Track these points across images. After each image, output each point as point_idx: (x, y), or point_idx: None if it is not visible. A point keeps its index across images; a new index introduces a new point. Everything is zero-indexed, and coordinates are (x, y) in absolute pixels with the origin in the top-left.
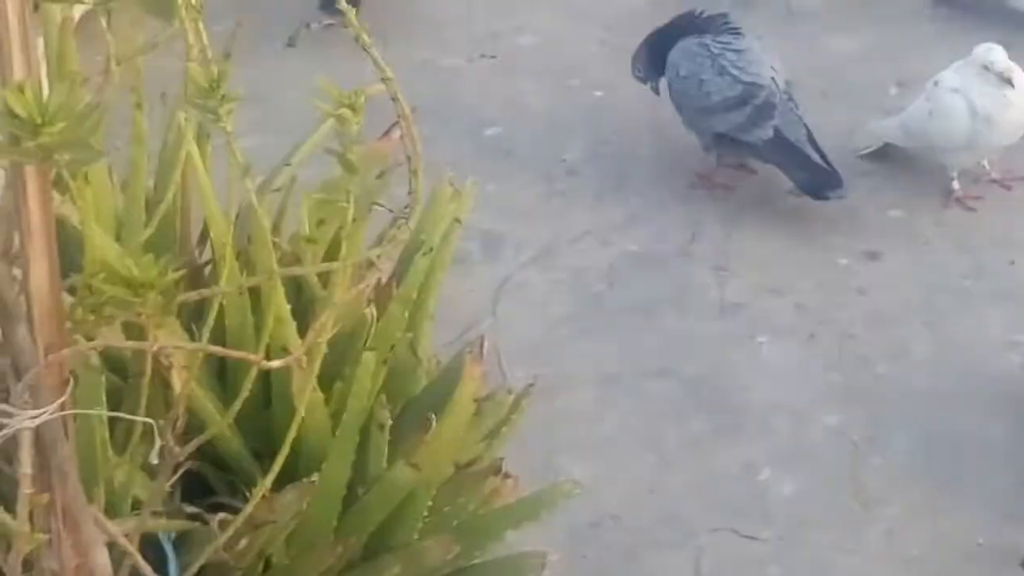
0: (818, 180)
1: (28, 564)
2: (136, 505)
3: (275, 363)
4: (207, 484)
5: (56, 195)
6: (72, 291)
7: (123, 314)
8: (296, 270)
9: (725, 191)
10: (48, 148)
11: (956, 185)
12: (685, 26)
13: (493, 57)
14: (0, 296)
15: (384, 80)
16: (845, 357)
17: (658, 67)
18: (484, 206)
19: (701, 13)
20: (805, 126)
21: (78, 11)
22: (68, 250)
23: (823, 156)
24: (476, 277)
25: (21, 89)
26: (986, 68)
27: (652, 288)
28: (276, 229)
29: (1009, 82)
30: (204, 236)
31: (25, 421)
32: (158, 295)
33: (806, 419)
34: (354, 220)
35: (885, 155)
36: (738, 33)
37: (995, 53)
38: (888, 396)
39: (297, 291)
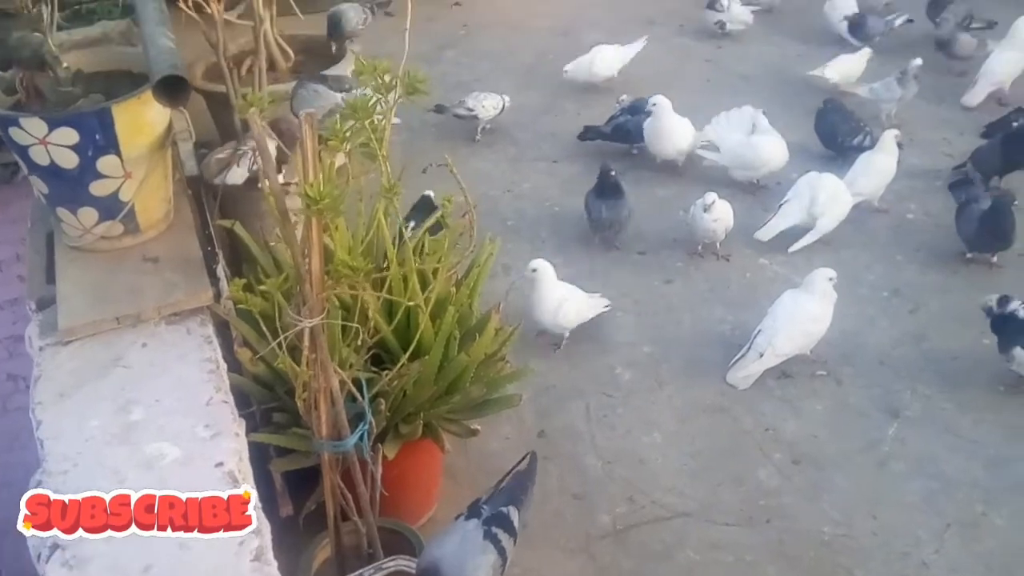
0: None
1: (304, 386)
2: (349, 367)
3: (410, 303)
4: (382, 361)
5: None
6: (327, 273)
7: (348, 282)
8: (422, 267)
9: (601, 244)
10: (320, 210)
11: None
12: (602, 177)
13: (509, 191)
14: (298, 269)
15: (466, 200)
16: (659, 321)
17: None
18: (504, 252)
19: (610, 170)
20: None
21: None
22: (326, 255)
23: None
24: (499, 283)
25: (311, 184)
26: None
27: (572, 275)
28: (418, 255)
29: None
30: (386, 256)
31: (305, 323)
32: (364, 274)
33: (636, 348)
34: (448, 248)
35: None
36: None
37: (709, 196)
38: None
39: (423, 280)
